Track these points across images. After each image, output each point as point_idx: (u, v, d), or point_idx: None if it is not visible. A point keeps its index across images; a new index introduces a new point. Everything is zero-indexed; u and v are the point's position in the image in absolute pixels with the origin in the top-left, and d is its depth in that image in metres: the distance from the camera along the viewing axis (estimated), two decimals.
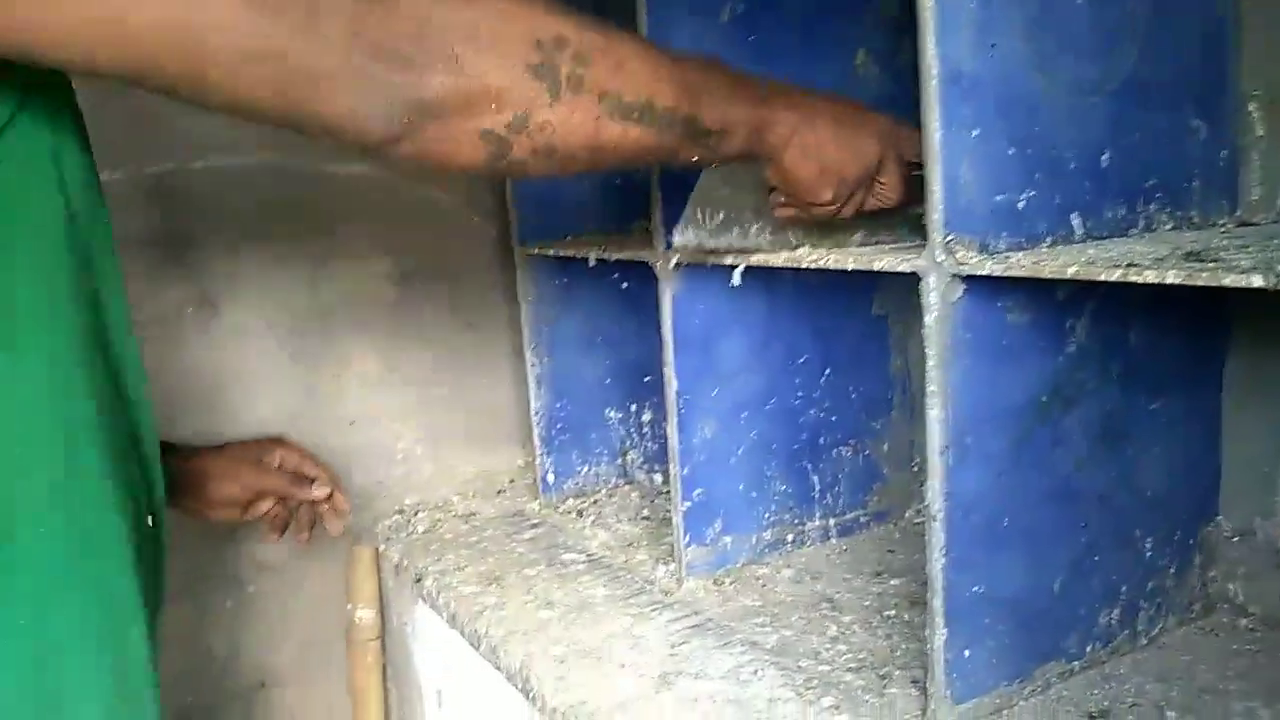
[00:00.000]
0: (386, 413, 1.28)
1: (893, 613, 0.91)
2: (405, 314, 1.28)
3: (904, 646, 0.84)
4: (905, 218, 0.77)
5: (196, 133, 1.11)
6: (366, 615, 1.21)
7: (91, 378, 0.56)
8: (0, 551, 0.51)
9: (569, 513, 1.25)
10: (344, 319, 1.24)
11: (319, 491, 0.93)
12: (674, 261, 0.89)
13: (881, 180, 0.71)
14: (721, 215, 0.79)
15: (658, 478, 1.33)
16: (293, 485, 0.93)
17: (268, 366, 1.19)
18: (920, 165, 0.64)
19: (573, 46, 0.52)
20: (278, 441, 0.95)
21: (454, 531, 1.21)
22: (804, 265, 0.72)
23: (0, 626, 0.51)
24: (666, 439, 1.33)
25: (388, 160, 0.53)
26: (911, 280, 0.64)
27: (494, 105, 0.51)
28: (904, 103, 0.98)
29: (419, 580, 1.09)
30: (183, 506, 0.87)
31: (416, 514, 1.27)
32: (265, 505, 0.93)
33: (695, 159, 0.61)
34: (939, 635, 0.69)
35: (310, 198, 1.19)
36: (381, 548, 1.22)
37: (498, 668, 0.91)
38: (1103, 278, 0.54)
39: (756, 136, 0.64)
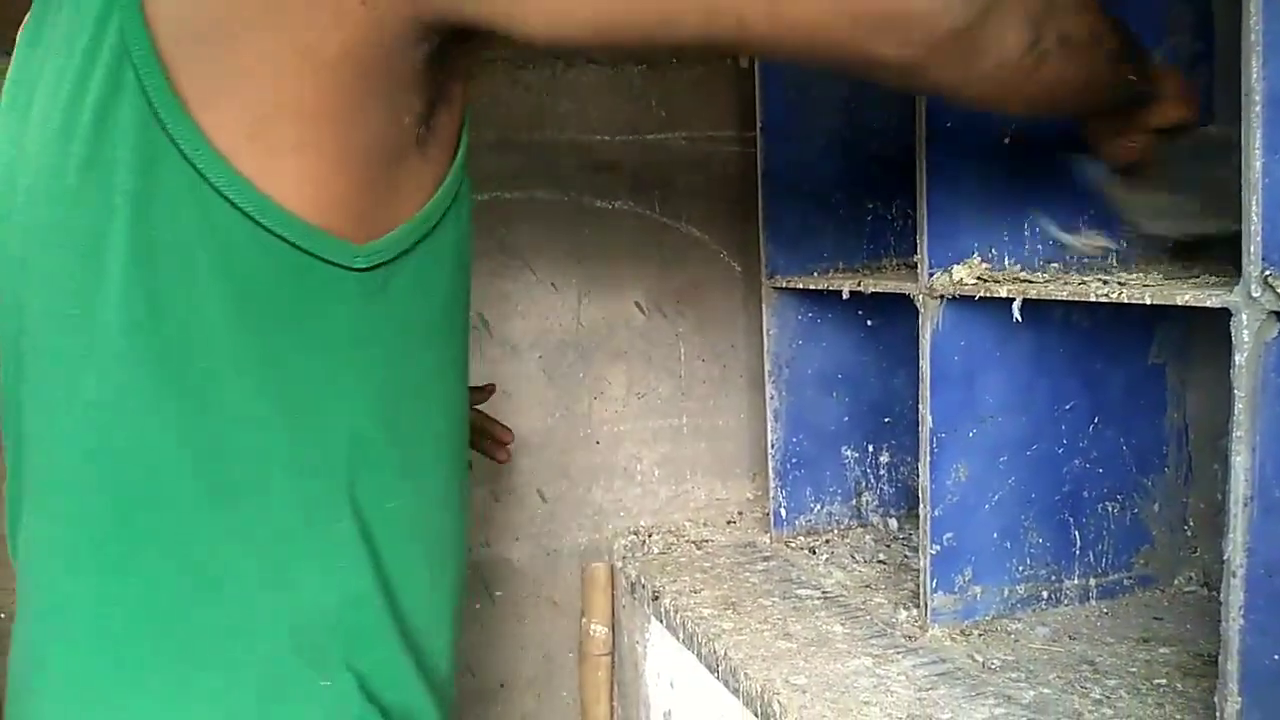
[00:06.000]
0: (630, 436, 1.33)
1: (1164, 681, 0.84)
2: (654, 343, 1.34)
3: (1179, 717, 0.77)
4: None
5: (483, 169, 1.22)
6: (600, 630, 1.25)
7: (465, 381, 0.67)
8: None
9: (801, 549, 1.24)
10: (598, 345, 1.31)
11: (486, 389, 0.99)
12: (937, 294, 0.88)
13: None
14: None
15: (893, 522, 1.30)
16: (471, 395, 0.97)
17: (528, 385, 1.28)
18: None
19: None
20: None
21: (688, 556, 1.23)
22: (1094, 299, 0.69)
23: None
24: (904, 482, 1.32)
25: (937, 66, 0.54)
26: (1196, 322, 0.61)
27: None
28: None
29: (656, 598, 1.11)
30: None
31: (651, 536, 1.30)
32: None
33: (1119, 82, 0.65)
34: (1232, 704, 0.63)
35: (577, 230, 1.28)
36: (618, 565, 1.26)
37: (736, 692, 0.92)
38: None
39: (1150, 67, 0.67)
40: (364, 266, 0.53)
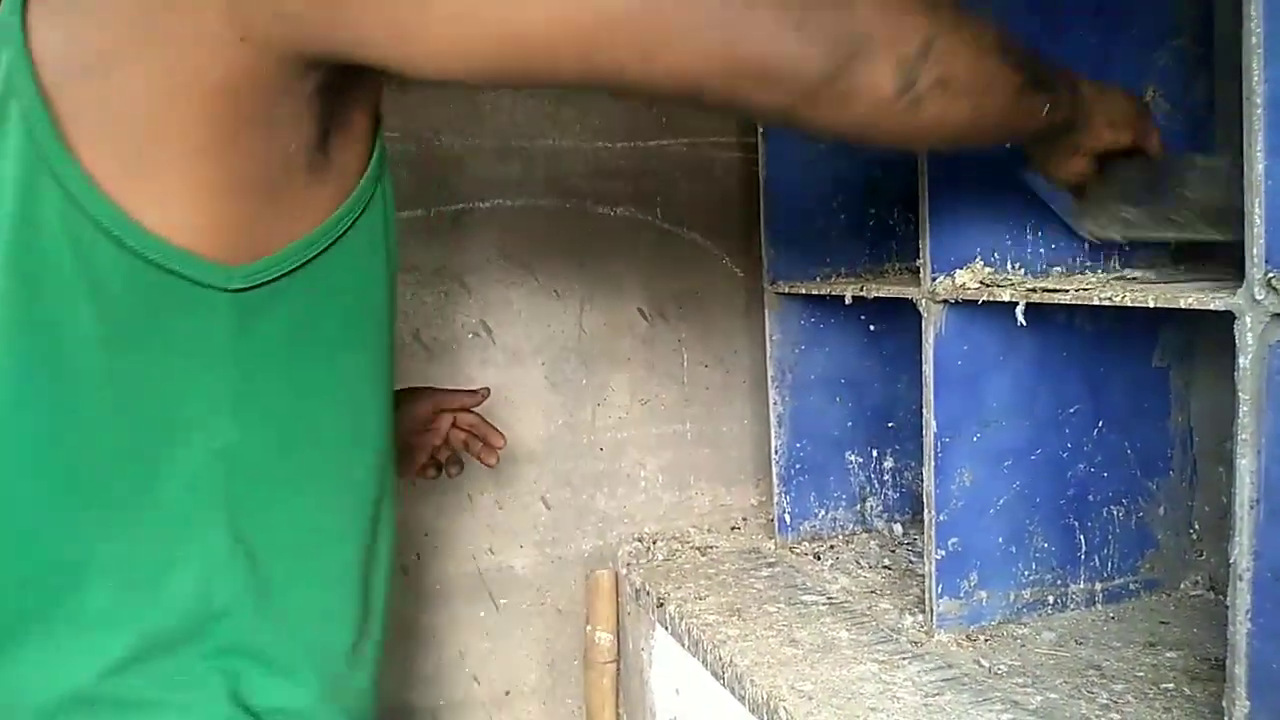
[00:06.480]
0: (633, 442, 1.33)
1: (1171, 686, 0.83)
2: (656, 350, 1.34)
3: None
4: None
5: (485, 177, 1.23)
6: (605, 638, 1.25)
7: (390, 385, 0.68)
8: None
9: (805, 555, 1.23)
10: (601, 352, 1.31)
11: (481, 393, 0.98)
12: (940, 298, 0.88)
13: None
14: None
15: (898, 527, 1.30)
16: (465, 398, 0.97)
17: (532, 392, 1.28)
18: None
19: None
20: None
21: (693, 562, 1.23)
22: (1097, 302, 0.69)
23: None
24: (908, 487, 1.32)
25: (811, 112, 0.55)
26: (1200, 325, 0.61)
27: (910, 30, 0.55)
28: (1194, 140, 0.94)
29: (661, 605, 1.11)
30: None
31: (655, 542, 1.30)
32: (445, 421, 0.97)
33: (1030, 117, 0.64)
34: (1240, 708, 0.63)
35: (580, 236, 1.28)
36: (622, 571, 1.26)
37: (742, 699, 0.91)
38: None
39: (1074, 97, 0.67)
40: (241, 287, 0.55)
